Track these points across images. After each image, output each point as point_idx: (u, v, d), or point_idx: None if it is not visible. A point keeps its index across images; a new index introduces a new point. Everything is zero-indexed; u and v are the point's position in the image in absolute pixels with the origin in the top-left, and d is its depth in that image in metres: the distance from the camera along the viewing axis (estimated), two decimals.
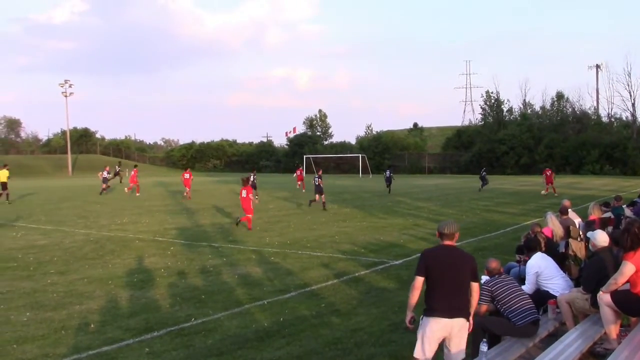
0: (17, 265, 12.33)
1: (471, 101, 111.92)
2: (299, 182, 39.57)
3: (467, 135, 75.38)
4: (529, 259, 7.50)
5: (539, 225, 9.12)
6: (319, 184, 24.82)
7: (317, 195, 24.64)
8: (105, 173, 36.69)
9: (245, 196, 18.19)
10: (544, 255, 7.42)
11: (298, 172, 41.33)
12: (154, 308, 8.79)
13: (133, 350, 6.90)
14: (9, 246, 15.05)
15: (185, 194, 32.00)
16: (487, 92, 77.91)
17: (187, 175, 32.54)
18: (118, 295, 9.64)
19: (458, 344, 5.13)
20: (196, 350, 6.89)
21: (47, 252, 14.08)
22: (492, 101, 77.00)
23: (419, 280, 5.17)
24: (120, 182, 46.83)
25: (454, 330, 5.06)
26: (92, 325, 7.85)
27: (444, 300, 5.07)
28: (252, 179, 30.91)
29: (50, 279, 10.92)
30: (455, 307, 5.06)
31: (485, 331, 6.29)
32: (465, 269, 5.19)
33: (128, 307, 8.90)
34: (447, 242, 5.27)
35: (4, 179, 29.94)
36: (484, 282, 6.48)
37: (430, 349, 5.08)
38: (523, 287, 6.94)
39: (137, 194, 33.67)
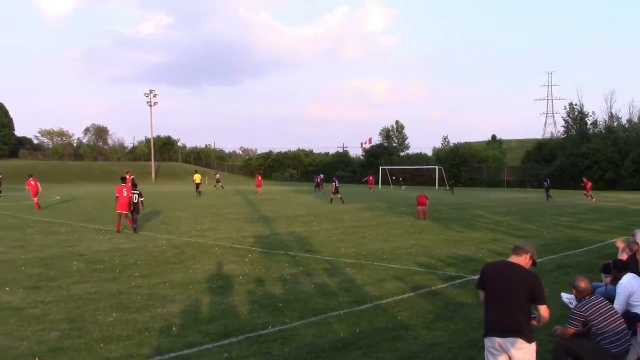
0: (104, 268, 12.87)
1: (553, 114, 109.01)
2: (371, 186, 58.39)
3: (549, 148, 73.01)
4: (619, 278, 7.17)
5: (637, 243, 8.66)
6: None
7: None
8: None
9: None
10: (635, 276, 7.09)
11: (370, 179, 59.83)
12: (232, 314, 8.96)
13: (212, 354, 7.04)
14: (96, 249, 15.74)
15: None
16: (571, 104, 75.19)
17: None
18: (198, 300, 9.89)
19: None
20: (273, 357, 6.96)
21: (132, 255, 14.63)
22: (576, 114, 74.15)
23: (481, 294, 5.14)
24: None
25: (511, 351, 4.77)
26: (174, 329, 8.08)
27: (497, 317, 4.87)
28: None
29: (134, 281, 11.34)
30: (508, 326, 4.80)
31: (569, 354, 6.06)
32: (521, 287, 4.83)
33: (208, 312, 9.11)
34: (513, 259, 5.02)
35: (199, 181, 46.22)
36: (576, 306, 6.20)
37: None
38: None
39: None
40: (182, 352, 7.09)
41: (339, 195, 35.95)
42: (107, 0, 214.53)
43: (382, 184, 69.11)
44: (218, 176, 56.06)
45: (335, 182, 37.17)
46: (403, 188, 63.53)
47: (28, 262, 13.53)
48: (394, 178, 67.84)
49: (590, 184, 44.01)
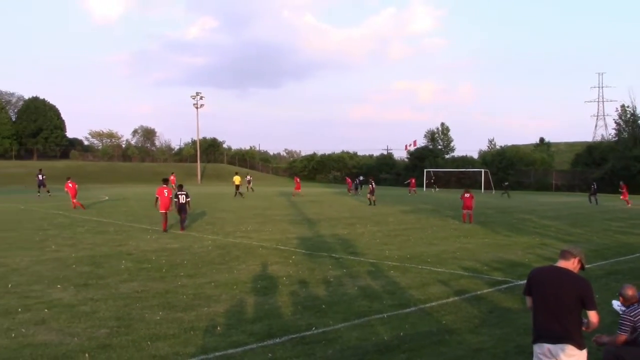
0: (150, 267, 13.12)
1: (604, 116, 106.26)
2: (413, 189, 57.36)
3: (599, 151, 70.83)
4: None
5: None
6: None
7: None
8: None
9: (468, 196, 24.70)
10: None
11: (412, 181, 58.82)
12: (276, 315, 9.01)
13: (256, 354, 7.10)
14: (143, 248, 16.05)
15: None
16: (622, 106, 72.78)
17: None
18: (242, 300, 9.98)
19: None
20: (317, 359, 6.96)
21: (178, 255, 14.87)
22: (628, 116, 71.81)
23: (528, 300, 5.05)
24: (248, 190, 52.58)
25: (561, 358, 4.65)
26: (218, 328, 8.18)
27: (545, 323, 4.77)
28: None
29: (180, 281, 11.52)
30: (557, 332, 4.68)
31: None
32: (570, 292, 4.69)
33: (252, 312, 9.18)
34: (559, 263, 4.90)
35: (238, 182, 46.43)
36: (624, 311, 6.06)
37: None
38: None
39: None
40: (226, 352, 7.16)
41: (369, 196, 37.23)
42: (154, 5, 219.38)
43: (425, 187, 68.55)
44: (249, 177, 56.28)
45: (371, 184, 38.17)
46: (437, 189, 65.55)
47: (78, 260, 13.90)
48: (432, 180, 68.85)
49: (626, 187, 42.23)
